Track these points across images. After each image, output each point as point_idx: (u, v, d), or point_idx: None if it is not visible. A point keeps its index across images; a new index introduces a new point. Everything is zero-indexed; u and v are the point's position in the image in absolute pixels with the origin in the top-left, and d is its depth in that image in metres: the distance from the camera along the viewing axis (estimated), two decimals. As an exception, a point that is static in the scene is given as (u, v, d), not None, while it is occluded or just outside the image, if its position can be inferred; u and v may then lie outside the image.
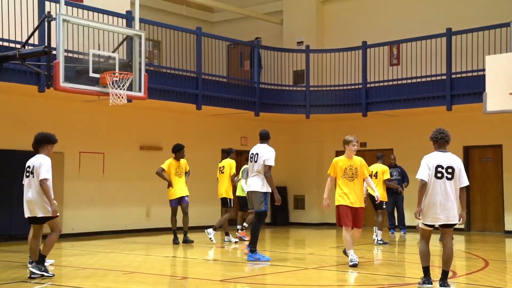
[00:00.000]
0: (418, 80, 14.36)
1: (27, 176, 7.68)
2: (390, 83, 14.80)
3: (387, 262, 9.78)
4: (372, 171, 12.49)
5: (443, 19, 14.93)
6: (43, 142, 7.76)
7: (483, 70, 12.61)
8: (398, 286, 7.42)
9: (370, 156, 16.42)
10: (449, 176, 6.58)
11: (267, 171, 9.01)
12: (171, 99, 13.32)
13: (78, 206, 13.32)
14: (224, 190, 12.30)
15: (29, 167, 7.69)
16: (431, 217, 6.61)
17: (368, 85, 15.01)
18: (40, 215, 7.51)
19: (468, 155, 14.91)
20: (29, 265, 7.77)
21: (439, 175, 6.59)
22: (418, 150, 15.47)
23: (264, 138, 9.40)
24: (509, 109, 12.01)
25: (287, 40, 17.46)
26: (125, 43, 11.10)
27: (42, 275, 7.45)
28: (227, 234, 12.31)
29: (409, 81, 14.53)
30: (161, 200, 14.91)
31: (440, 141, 6.75)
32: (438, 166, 6.59)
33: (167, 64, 14.17)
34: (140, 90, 10.82)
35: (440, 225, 6.66)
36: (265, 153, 9.11)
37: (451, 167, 6.60)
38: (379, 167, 12.36)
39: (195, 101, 13.75)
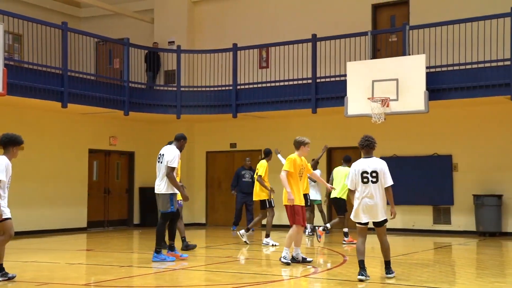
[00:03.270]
0: (286, 83, 14.86)
1: None
2: (260, 85, 15.17)
3: (254, 261, 10.01)
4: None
5: (309, 25, 15.57)
6: (7, 144, 7.38)
7: (345, 75, 13.35)
8: (263, 283, 7.62)
9: (239, 157, 16.80)
10: (374, 179, 7.30)
11: (169, 172, 9.02)
12: (34, 96, 12.67)
13: None
14: (256, 192, 11.71)
15: None
16: (361, 217, 7.35)
17: (238, 87, 15.27)
18: None
19: (331, 156, 15.67)
20: None
21: (365, 180, 7.32)
22: (285, 151, 16.09)
23: (175, 138, 9.48)
24: (367, 113, 12.83)
25: (158, 39, 17.28)
26: (-19, 35, 10.37)
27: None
28: (267, 236, 11.58)
29: (277, 83, 14.98)
30: (22, 202, 14.10)
31: (366, 148, 7.45)
32: (363, 172, 7.33)
33: (30, 60, 13.44)
34: (-2, 85, 10.17)
35: (373, 224, 7.40)
36: (169, 154, 9.14)
37: (375, 171, 7.31)
38: None
39: (60, 99, 13.17)
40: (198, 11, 17.58)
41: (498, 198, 13.43)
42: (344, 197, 11.75)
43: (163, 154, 9.25)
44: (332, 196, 11.96)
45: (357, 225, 7.46)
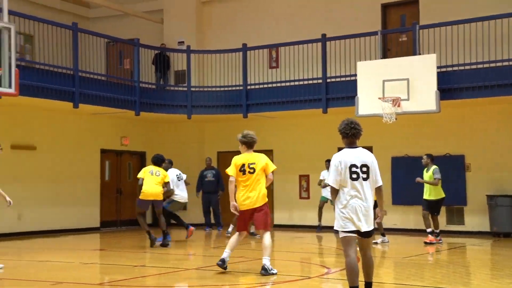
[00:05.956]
0: (296, 83, 14.85)
1: None
2: (270, 85, 15.17)
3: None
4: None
5: (319, 25, 15.55)
6: None
7: (356, 75, 13.33)
8: (276, 283, 7.62)
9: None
10: (365, 175, 5.73)
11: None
12: (45, 97, 12.72)
13: None
14: None
15: None
16: (351, 223, 5.66)
17: (249, 87, 15.28)
18: None
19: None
20: None
21: (354, 175, 5.69)
22: (295, 151, 16.13)
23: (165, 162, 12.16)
24: (378, 113, 12.81)
25: (168, 39, 17.33)
26: (-8, 36, 10.41)
27: None
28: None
29: (287, 84, 14.97)
30: (34, 202, 14.21)
31: (351, 137, 5.84)
32: (352, 165, 5.70)
33: (41, 60, 13.51)
34: (10, 86, 10.22)
35: (360, 234, 5.71)
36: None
37: (366, 165, 5.75)
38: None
39: (71, 99, 13.23)
40: (208, 11, 17.60)
41: (511, 199, 13.35)
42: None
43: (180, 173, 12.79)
44: (431, 198, 11.84)
45: (344, 235, 5.69)
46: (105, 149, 16.05)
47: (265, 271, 7.74)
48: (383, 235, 11.90)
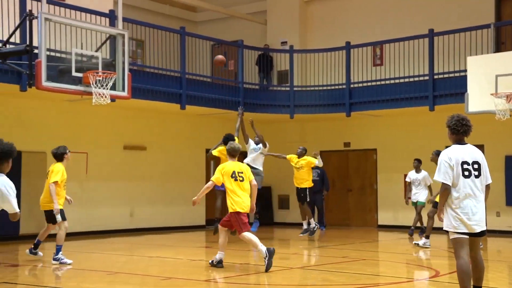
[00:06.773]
0: (401, 80, 14.46)
1: None
2: (374, 83, 14.89)
3: (371, 262, 9.83)
4: None
5: (426, 20, 15.05)
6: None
7: (465, 71, 12.75)
8: (382, 285, 7.46)
9: (353, 156, 16.60)
10: (476, 173, 5.52)
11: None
12: (155, 99, 13.26)
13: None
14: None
15: None
16: (464, 224, 5.43)
17: (352, 85, 15.08)
18: None
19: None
20: None
21: (466, 173, 5.48)
22: (400, 150, 15.70)
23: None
24: (490, 109, 12.16)
25: (271, 40, 17.49)
26: (108, 42, 11.01)
27: None
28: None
29: (392, 81, 14.62)
30: (145, 200, 14.89)
31: (462, 134, 5.61)
32: (463, 162, 5.50)
33: (151, 64, 14.11)
34: (123, 89, 10.74)
35: (471, 234, 5.47)
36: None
37: (477, 162, 5.55)
38: None
39: (179, 101, 13.70)
40: (310, 11, 17.57)
41: None
42: None
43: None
44: None
45: (456, 237, 5.45)
46: (210, 149, 16.43)
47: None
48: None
